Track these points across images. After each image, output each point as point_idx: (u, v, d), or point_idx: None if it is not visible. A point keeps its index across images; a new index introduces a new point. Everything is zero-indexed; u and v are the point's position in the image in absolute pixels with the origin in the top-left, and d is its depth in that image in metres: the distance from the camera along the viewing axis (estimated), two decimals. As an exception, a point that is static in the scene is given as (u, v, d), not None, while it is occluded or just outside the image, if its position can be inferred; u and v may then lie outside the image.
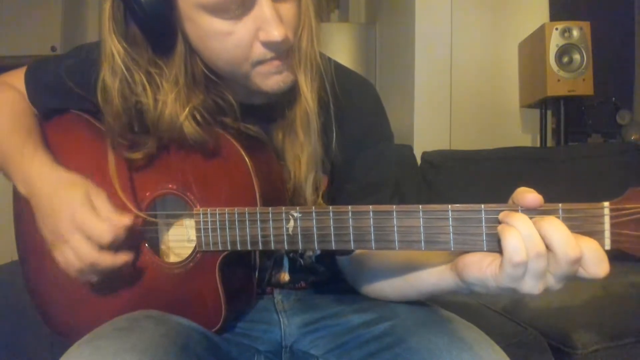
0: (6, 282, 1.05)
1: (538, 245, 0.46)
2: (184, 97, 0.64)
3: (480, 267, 0.51)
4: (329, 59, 0.71)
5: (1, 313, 0.97)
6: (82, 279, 0.67)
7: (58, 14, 2.84)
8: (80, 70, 0.72)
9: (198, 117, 0.65)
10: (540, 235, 0.46)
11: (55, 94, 0.76)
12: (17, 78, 0.79)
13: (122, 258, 0.66)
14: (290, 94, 0.68)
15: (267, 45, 0.60)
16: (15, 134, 0.73)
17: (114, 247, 0.65)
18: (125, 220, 0.65)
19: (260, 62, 0.62)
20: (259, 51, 0.61)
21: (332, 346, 0.70)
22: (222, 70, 0.65)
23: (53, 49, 2.73)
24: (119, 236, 0.64)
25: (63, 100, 0.76)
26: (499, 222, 0.49)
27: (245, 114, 0.71)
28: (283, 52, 0.62)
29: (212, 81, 0.67)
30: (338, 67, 0.74)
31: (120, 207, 0.67)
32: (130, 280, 0.71)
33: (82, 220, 0.64)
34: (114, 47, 0.62)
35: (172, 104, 0.64)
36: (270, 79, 0.64)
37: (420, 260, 0.62)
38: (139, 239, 0.71)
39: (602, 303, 1.14)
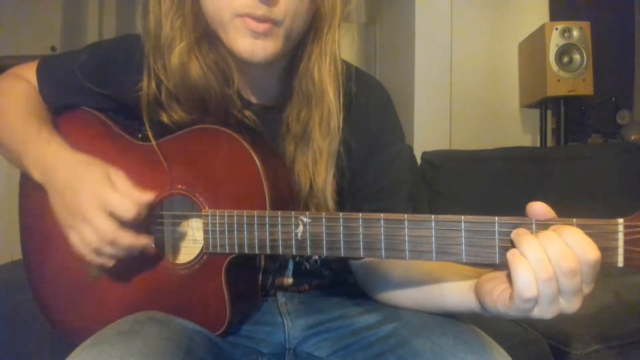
0: (6, 282, 1.05)
1: (548, 271, 0.46)
2: (189, 24, 0.66)
3: (492, 297, 0.51)
4: (342, 59, 0.71)
5: (1, 313, 0.97)
6: (97, 262, 0.65)
7: (58, 14, 2.83)
8: (93, 67, 0.73)
9: (204, 65, 0.67)
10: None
11: (67, 90, 0.77)
12: (29, 72, 0.80)
13: (143, 240, 0.66)
14: (310, 93, 0.68)
15: None
16: (30, 121, 0.73)
17: (135, 226, 0.65)
18: (147, 197, 0.65)
19: (239, 15, 0.61)
20: (241, 1, 0.61)
21: (336, 348, 0.70)
22: (208, 13, 0.65)
23: (53, 49, 2.73)
24: (142, 213, 0.64)
25: (75, 96, 0.76)
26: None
27: (258, 117, 0.71)
28: (263, 14, 0.61)
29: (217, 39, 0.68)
30: (349, 66, 0.74)
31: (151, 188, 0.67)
32: (135, 280, 0.71)
33: (105, 197, 0.63)
34: None
35: (178, 32, 0.66)
36: (244, 40, 0.63)
37: (443, 276, 0.61)
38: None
39: (601, 303, 1.14)
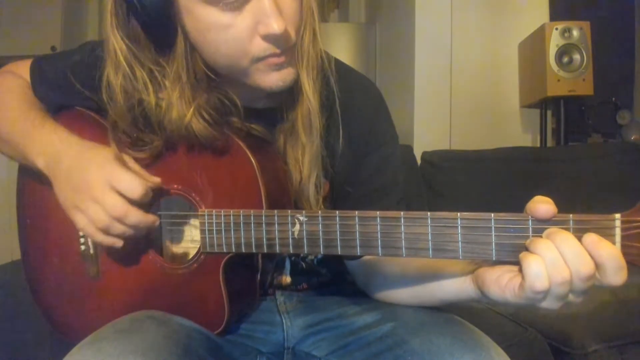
0: (6, 282, 1.05)
1: (563, 272, 0.46)
2: (188, 94, 0.64)
3: (500, 285, 0.51)
4: (331, 57, 0.70)
5: (1, 313, 0.97)
6: (106, 241, 0.66)
7: (58, 14, 2.84)
8: (84, 68, 0.72)
9: (205, 115, 0.65)
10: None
11: (59, 90, 0.76)
12: (24, 69, 0.80)
13: (151, 217, 0.66)
14: (293, 94, 0.68)
15: (267, 38, 0.59)
16: (33, 111, 0.74)
17: (142, 205, 0.65)
18: (154, 178, 0.66)
19: (259, 59, 0.61)
20: (258, 46, 0.60)
21: (334, 347, 0.70)
22: (221, 67, 0.64)
23: (53, 49, 2.73)
24: (149, 193, 0.65)
25: (67, 97, 0.76)
26: (508, 232, 0.50)
27: (247, 118, 0.70)
28: (283, 47, 0.61)
29: (214, 81, 0.67)
30: (340, 65, 0.74)
31: None
32: (133, 280, 0.71)
33: (113, 176, 0.64)
34: (116, 43, 0.62)
35: (177, 102, 0.64)
36: (270, 76, 0.63)
37: (440, 268, 0.61)
38: (143, 238, 0.70)
39: (601, 303, 1.14)
